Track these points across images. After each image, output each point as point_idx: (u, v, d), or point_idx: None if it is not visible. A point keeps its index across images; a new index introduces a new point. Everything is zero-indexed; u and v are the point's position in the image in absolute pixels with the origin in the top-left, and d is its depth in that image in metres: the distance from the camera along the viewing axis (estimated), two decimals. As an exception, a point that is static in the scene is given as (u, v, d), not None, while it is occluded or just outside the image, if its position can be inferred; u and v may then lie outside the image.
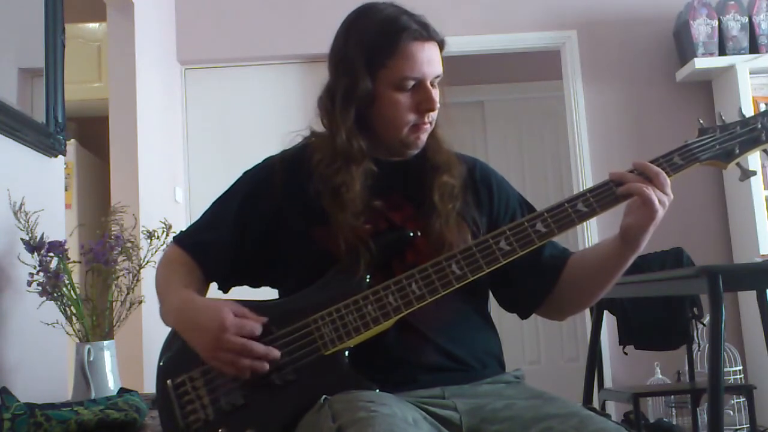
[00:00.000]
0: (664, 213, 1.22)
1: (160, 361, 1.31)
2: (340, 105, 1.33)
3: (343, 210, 1.28)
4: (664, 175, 1.23)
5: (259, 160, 1.46)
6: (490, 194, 1.42)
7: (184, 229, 1.49)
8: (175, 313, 1.30)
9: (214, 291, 1.42)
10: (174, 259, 1.42)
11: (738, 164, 1.32)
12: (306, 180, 1.34)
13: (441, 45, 1.36)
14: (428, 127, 1.36)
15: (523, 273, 1.35)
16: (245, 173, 1.45)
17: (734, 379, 3.75)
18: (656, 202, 1.20)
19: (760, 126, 1.31)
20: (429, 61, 1.31)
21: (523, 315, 1.44)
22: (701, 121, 1.34)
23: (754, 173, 1.31)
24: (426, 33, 1.32)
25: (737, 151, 1.30)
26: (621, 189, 1.23)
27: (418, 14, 1.35)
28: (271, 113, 4.19)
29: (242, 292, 1.34)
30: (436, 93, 1.34)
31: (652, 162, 1.26)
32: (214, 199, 1.46)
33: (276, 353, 1.20)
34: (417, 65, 1.30)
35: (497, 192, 1.43)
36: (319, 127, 1.40)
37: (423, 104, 1.32)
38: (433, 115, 1.35)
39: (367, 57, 1.31)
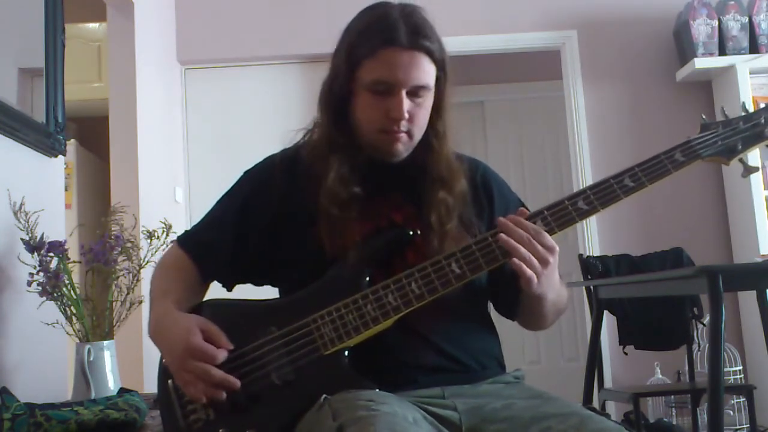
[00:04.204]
0: (553, 264, 1.19)
1: (161, 361, 1.31)
2: (324, 97, 1.35)
3: (324, 198, 1.28)
4: (539, 231, 1.18)
5: (260, 160, 1.46)
6: (490, 200, 1.41)
7: (188, 229, 1.49)
8: (153, 324, 1.31)
9: (218, 290, 1.42)
10: (169, 264, 1.42)
11: (741, 160, 1.30)
12: (302, 178, 1.34)
13: (431, 55, 1.27)
14: (402, 137, 1.30)
15: (504, 276, 1.32)
16: (246, 173, 1.45)
17: (734, 379, 3.75)
18: (529, 273, 1.16)
19: (763, 121, 1.28)
20: (405, 68, 1.25)
21: (508, 317, 1.44)
22: (704, 117, 1.32)
23: (756, 169, 1.30)
24: (410, 40, 1.25)
25: (740, 147, 1.28)
26: (503, 243, 1.18)
27: (419, 18, 1.29)
28: (271, 113, 4.19)
29: (247, 291, 1.34)
30: (410, 104, 1.27)
31: (653, 159, 1.25)
32: (214, 198, 1.46)
33: (234, 382, 1.19)
34: (391, 70, 1.26)
35: (497, 198, 1.42)
36: None
37: (391, 112, 1.27)
38: (407, 125, 1.29)
39: (348, 53, 1.30)
